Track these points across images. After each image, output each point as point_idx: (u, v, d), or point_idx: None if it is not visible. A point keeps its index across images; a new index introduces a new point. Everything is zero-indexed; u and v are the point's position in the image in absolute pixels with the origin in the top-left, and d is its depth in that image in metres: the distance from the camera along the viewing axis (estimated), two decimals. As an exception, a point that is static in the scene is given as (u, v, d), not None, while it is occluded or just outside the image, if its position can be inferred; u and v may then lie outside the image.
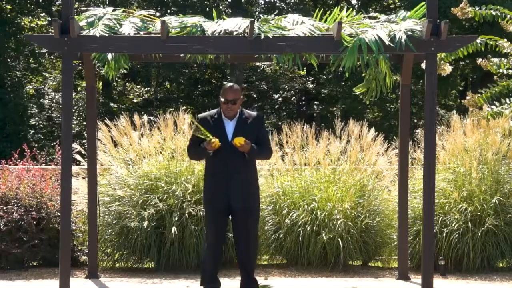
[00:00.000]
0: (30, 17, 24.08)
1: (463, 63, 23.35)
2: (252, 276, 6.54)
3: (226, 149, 6.27)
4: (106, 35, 6.53)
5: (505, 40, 8.13)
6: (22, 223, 8.17)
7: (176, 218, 8.13)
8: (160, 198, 8.27)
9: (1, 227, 8.10)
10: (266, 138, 6.62)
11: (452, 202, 8.36)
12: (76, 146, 8.65)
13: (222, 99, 6.39)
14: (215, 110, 6.54)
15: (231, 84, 6.45)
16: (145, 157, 8.73)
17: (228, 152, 6.27)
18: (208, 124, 6.38)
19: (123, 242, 8.28)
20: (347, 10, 7.06)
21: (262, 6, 28.66)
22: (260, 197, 6.69)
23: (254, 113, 6.54)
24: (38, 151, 9.32)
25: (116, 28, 6.66)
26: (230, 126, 6.38)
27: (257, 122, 6.47)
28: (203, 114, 6.56)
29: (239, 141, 6.22)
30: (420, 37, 6.52)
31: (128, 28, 6.66)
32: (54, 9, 24.76)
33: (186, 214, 8.17)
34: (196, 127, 6.39)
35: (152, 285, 7.57)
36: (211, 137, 6.26)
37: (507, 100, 7.85)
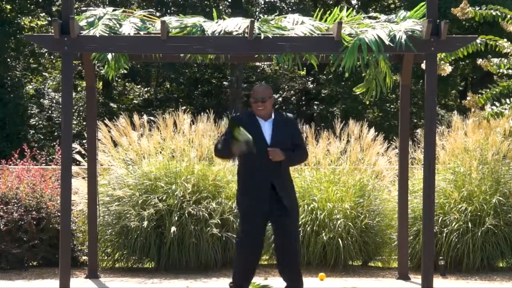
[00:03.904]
0: (30, 17, 24.06)
1: (463, 63, 23.34)
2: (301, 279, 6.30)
3: (263, 151, 6.04)
4: (106, 35, 6.53)
5: (505, 40, 8.12)
6: (22, 223, 8.17)
7: (176, 218, 8.13)
8: (159, 198, 8.27)
9: (1, 227, 8.10)
10: (301, 139, 6.45)
11: (452, 202, 8.36)
12: (76, 146, 8.65)
13: (252, 99, 6.21)
14: (246, 111, 6.33)
15: (260, 83, 6.38)
16: (144, 157, 8.73)
17: (266, 153, 6.05)
18: (243, 124, 6.11)
19: (123, 242, 8.28)
20: (347, 10, 7.06)
21: (262, 6, 28.67)
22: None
23: (288, 115, 6.38)
24: (38, 151, 9.32)
25: (116, 28, 6.66)
26: (266, 127, 6.17)
27: (292, 123, 6.32)
28: (236, 115, 6.36)
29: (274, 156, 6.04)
30: (420, 37, 6.52)
31: (128, 28, 6.66)
32: (54, 9, 24.76)
33: (186, 214, 8.17)
34: (233, 129, 6.09)
35: (152, 285, 7.57)
36: (245, 140, 5.98)
37: (507, 100, 7.84)
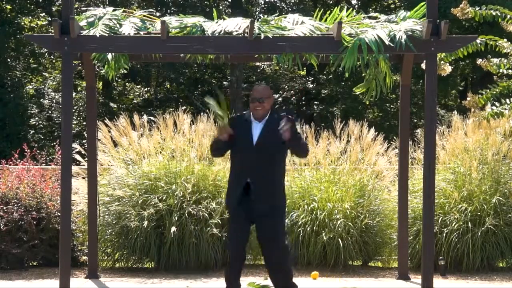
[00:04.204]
0: (30, 17, 24.05)
1: (463, 63, 23.33)
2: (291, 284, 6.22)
3: (249, 151, 6.01)
4: (106, 35, 6.53)
5: (505, 40, 8.12)
6: (22, 223, 8.17)
7: (176, 218, 8.13)
8: (160, 198, 8.27)
9: (1, 227, 8.11)
10: (300, 135, 6.20)
11: (452, 202, 8.36)
12: (76, 146, 8.66)
13: (250, 98, 6.16)
14: (247, 112, 6.25)
15: (260, 83, 6.35)
16: (144, 157, 8.73)
17: (252, 154, 6.00)
18: (235, 123, 6.09)
19: (123, 242, 8.29)
20: (347, 10, 7.06)
21: (262, 6, 28.66)
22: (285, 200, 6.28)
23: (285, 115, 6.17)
24: (38, 151, 9.32)
25: (116, 28, 6.66)
26: (257, 128, 6.08)
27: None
28: (236, 115, 6.36)
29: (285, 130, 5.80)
30: (420, 37, 6.52)
31: (128, 28, 6.66)
32: (54, 9, 24.75)
33: (186, 214, 8.17)
34: (216, 103, 6.04)
35: (152, 285, 7.57)
36: (225, 119, 5.94)
37: (507, 100, 7.84)
